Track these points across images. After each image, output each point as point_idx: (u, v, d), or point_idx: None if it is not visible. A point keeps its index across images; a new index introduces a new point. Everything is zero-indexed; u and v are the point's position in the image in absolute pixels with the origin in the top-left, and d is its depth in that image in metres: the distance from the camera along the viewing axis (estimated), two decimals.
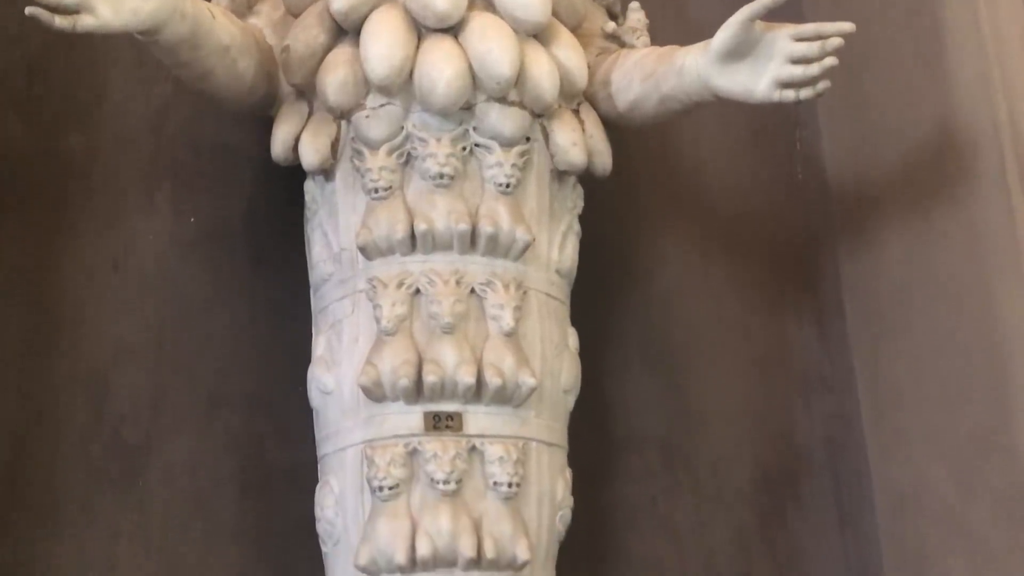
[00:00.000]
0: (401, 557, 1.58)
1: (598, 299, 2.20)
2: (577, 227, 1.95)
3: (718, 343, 2.35)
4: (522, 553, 1.63)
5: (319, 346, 1.82)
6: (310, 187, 1.91)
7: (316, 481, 1.83)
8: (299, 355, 1.93)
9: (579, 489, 1.86)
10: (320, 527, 1.74)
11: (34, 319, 2.01)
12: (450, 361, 1.67)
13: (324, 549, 1.75)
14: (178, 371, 2.06)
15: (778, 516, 2.27)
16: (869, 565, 2.23)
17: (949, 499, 2.05)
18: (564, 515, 1.79)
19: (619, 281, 2.31)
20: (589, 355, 1.93)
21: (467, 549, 1.59)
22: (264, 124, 2.01)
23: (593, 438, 2.10)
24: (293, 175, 1.99)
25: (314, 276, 1.89)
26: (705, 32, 1.82)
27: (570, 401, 1.87)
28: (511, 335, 1.72)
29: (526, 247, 1.77)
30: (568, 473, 1.82)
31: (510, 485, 1.65)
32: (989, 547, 1.92)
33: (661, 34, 2.09)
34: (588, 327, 1.95)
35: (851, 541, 2.26)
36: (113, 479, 1.98)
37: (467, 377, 1.65)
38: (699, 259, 2.39)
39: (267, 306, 2.11)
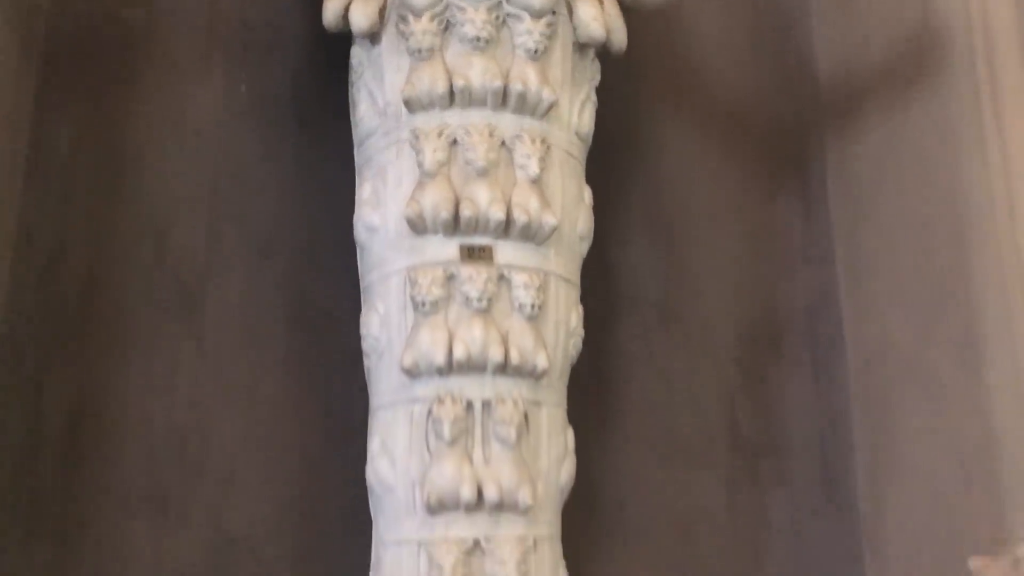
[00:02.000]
0: (440, 359, 1.84)
1: (606, 171, 2.44)
2: (594, 98, 2.19)
3: (713, 217, 2.61)
4: (542, 363, 1.89)
5: (364, 192, 2.06)
6: (356, 51, 2.14)
7: (352, 320, 2.07)
8: (339, 208, 2.18)
9: (586, 340, 2.11)
10: (366, 344, 2.00)
11: (101, 172, 2.23)
12: (483, 199, 1.91)
13: (368, 364, 2.00)
14: (230, 222, 2.29)
15: (760, 371, 2.55)
16: (839, 412, 2.51)
17: (912, 352, 2.32)
18: (576, 342, 2.05)
19: (625, 157, 2.55)
20: (597, 220, 2.17)
21: (496, 355, 1.85)
22: (308, 2, 2.24)
23: (599, 296, 2.35)
24: (335, 47, 2.22)
25: (359, 131, 2.12)
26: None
27: (584, 248, 2.12)
28: (536, 182, 1.96)
29: (550, 106, 2.00)
30: (580, 309, 2.08)
31: (533, 307, 1.91)
32: (946, 389, 2.20)
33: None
34: (596, 195, 2.19)
35: (824, 393, 2.54)
36: (174, 314, 2.22)
37: (498, 213, 1.90)
38: (698, 141, 2.64)
39: (311, 163, 2.34)
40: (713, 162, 2.65)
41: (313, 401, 2.25)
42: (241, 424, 2.21)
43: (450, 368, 1.86)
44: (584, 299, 2.11)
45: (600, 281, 2.33)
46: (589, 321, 2.11)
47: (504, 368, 1.87)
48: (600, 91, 2.22)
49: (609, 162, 2.45)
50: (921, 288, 2.33)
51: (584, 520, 2.16)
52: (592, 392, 2.31)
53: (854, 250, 2.59)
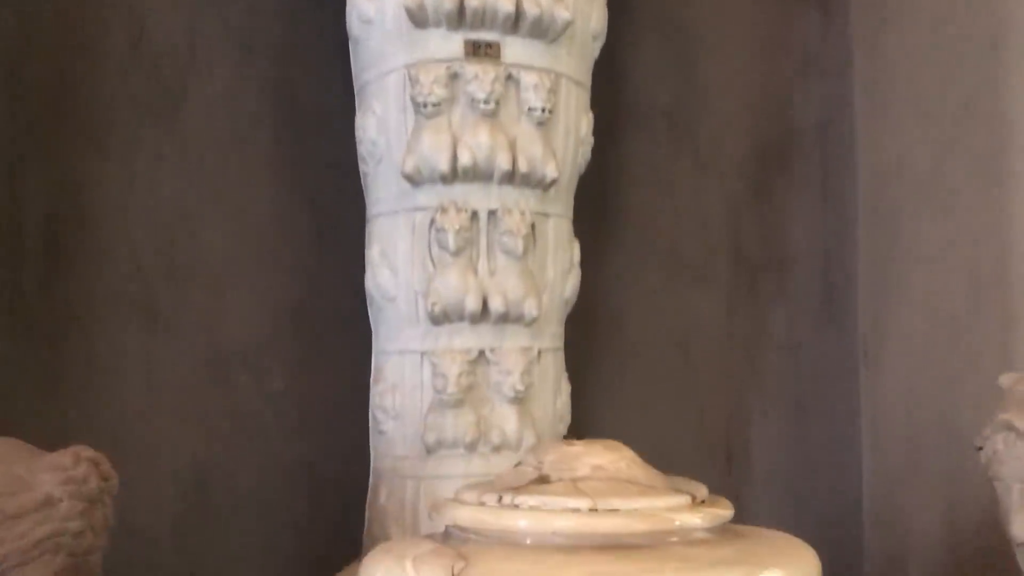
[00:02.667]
0: (444, 166, 1.73)
1: None
2: None
3: (728, 24, 2.45)
4: (551, 172, 1.79)
5: None
6: None
7: (345, 121, 1.94)
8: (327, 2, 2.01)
9: (591, 149, 2.00)
10: (362, 149, 1.88)
11: None
12: None
13: (365, 169, 1.89)
14: (212, 15, 2.12)
15: (768, 187, 2.47)
16: (846, 230, 2.45)
17: (929, 168, 2.23)
18: (585, 151, 1.95)
19: None
20: (607, 26, 2.02)
21: (503, 163, 1.75)
22: None
23: (606, 103, 2.22)
24: None
25: None
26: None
27: (596, 48, 1.97)
28: None
29: None
30: (590, 115, 1.96)
31: (543, 110, 1.79)
32: (963, 207, 2.13)
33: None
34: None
35: (832, 210, 2.47)
36: (155, 110, 2.08)
37: (507, 5, 1.74)
38: None
39: None
40: None
41: (305, 207, 2.16)
42: (230, 230, 2.12)
43: (454, 175, 1.75)
44: (591, 107, 1.99)
45: (607, 86, 2.19)
46: (598, 129, 1.99)
47: (511, 177, 1.77)
48: None
49: None
50: (945, 101, 2.21)
51: (585, 334, 2.12)
52: (595, 204, 2.22)
53: (874, 60, 2.45)
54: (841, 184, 2.47)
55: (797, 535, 2.33)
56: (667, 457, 2.22)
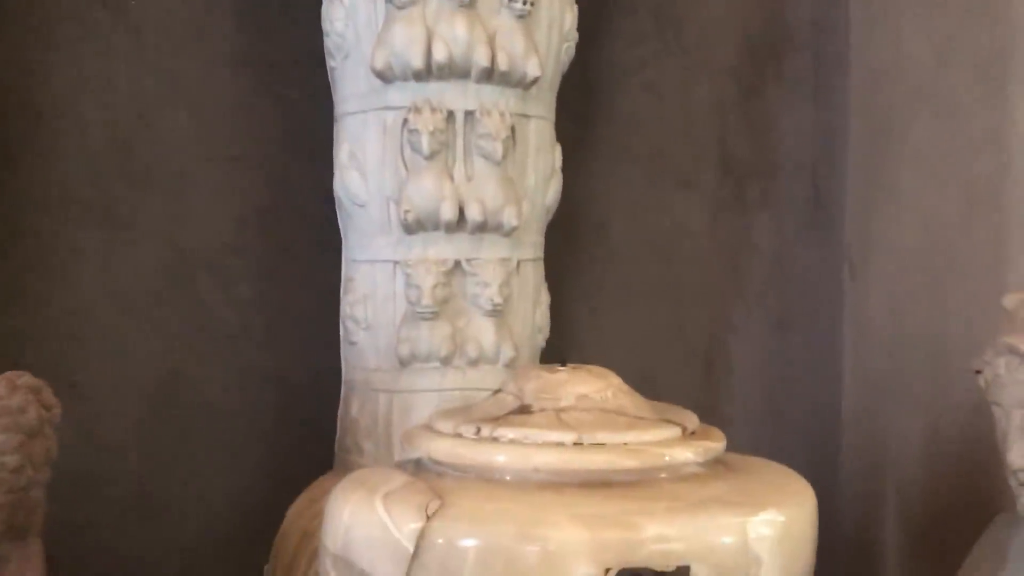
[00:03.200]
0: (417, 61, 1.61)
1: None
2: None
3: None
4: (532, 69, 1.67)
5: None
6: None
7: (313, 8, 1.78)
8: None
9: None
10: (328, 41, 1.74)
11: None
12: None
13: (332, 64, 1.76)
14: None
15: (758, 89, 2.35)
16: (835, 134, 2.35)
17: (927, 70, 2.12)
18: (569, 48, 1.82)
19: None
20: None
21: (482, 58, 1.62)
22: None
23: None
24: None
25: None
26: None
27: None
28: None
29: None
30: (575, 7, 1.82)
31: (525, 2, 1.65)
32: (961, 113, 2.03)
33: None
34: None
35: (822, 115, 2.36)
36: None
37: None
38: None
39: None
40: None
41: (269, 104, 2.03)
42: (190, 129, 2.00)
43: (429, 72, 1.63)
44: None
45: None
46: (577, 25, 1.86)
47: (490, 75, 1.65)
48: None
49: None
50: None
51: (565, 240, 2.04)
52: (577, 104, 2.10)
53: None
54: (833, 84, 2.36)
55: (776, 445, 2.31)
56: (648, 368, 2.20)
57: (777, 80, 2.37)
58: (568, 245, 2.10)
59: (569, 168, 1.86)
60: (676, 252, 2.31)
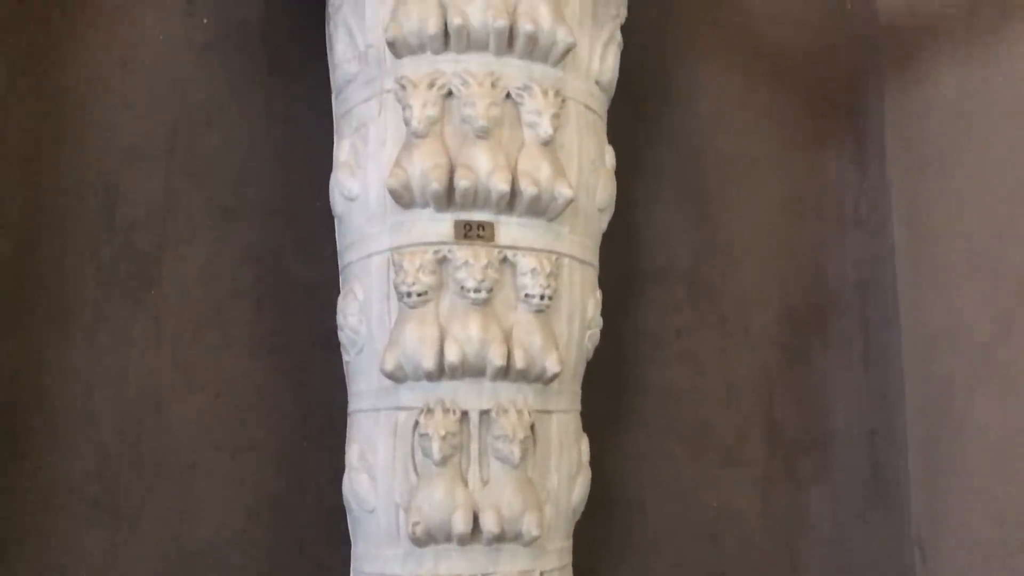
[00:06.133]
0: (429, 363, 1.53)
1: (632, 120, 2.10)
2: (619, 38, 1.83)
3: (753, 175, 2.27)
4: (552, 365, 1.58)
5: (342, 151, 1.72)
6: None
7: (335, 294, 1.77)
8: (318, 163, 1.86)
9: (603, 317, 1.80)
10: (343, 335, 1.69)
11: (38, 119, 1.90)
12: (483, 167, 1.57)
13: (346, 358, 1.70)
14: (191, 178, 1.97)
15: (803, 355, 2.23)
16: (892, 404, 2.19)
17: (983, 337, 1.99)
18: (593, 334, 1.74)
19: (656, 104, 2.19)
20: (618, 179, 1.84)
21: (497, 358, 1.54)
22: None
23: (619, 266, 2.03)
24: None
25: (337, 78, 1.78)
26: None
27: (604, 221, 1.79)
28: (548, 144, 1.62)
29: (567, 50, 1.65)
30: (599, 294, 1.76)
31: (542, 298, 1.58)
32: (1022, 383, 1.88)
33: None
34: (619, 149, 1.86)
35: (875, 381, 2.23)
36: (126, 286, 1.92)
37: (501, 184, 1.56)
38: (740, 87, 2.28)
39: (284, 112, 2.01)
40: (754, 110, 2.28)
41: (286, 391, 1.95)
42: (204, 418, 1.92)
43: (441, 372, 1.54)
44: (602, 270, 1.80)
45: (621, 249, 2.01)
46: (607, 295, 1.80)
47: (506, 372, 1.56)
48: (625, 28, 1.86)
49: (634, 111, 2.10)
50: (999, 262, 1.98)
51: (600, 525, 1.88)
52: (609, 378, 2.00)
53: (915, 212, 2.24)
54: (885, 350, 2.23)
55: None
56: None
57: (823, 345, 2.25)
58: (602, 529, 1.94)
59: (601, 445, 1.74)
60: (723, 534, 2.12)
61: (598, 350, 1.79)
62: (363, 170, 1.66)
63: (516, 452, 1.54)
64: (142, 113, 1.96)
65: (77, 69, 1.93)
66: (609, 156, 1.79)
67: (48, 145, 1.90)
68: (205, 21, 2.01)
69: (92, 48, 1.94)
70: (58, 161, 1.91)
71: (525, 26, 1.61)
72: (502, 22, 1.60)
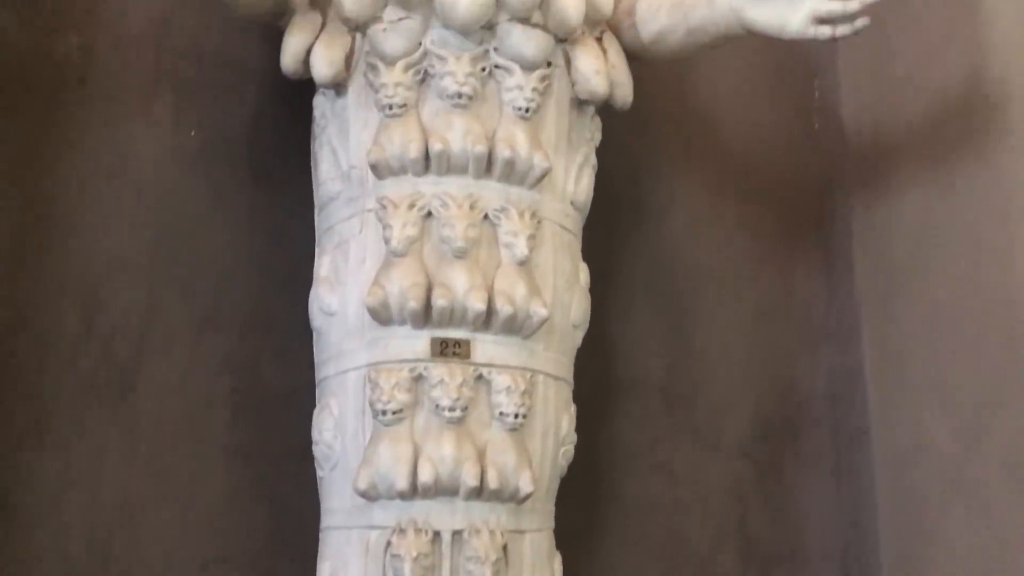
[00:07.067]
0: (402, 483, 1.53)
1: (606, 236, 2.15)
2: (594, 160, 1.89)
3: (725, 288, 2.31)
4: (525, 485, 1.59)
5: (323, 266, 1.76)
6: (320, 102, 1.84)
7: (312, 405, 1.78)
8: (299, 276, 1.88)
9: (577, 428, 1.82)
10: (317, 450, 1.70)
11: (23, 226, 1.93)
12: (460, 286, 1.61)
13: (320, 473, 1.70)
14: (172, 287, 1.99)
15: (776, 467, 2.25)
16: (864, 519, 2.20)
17: (953, 454, 2.02)
18: (567, 451, 1.75)
19: (629, 219, 2.25)
20: (594, 292, 1.88)
21: (470, 478, 1.55)
22: (272, 36, 1.93)
23: (593, 377, 2.05)
24: (300, 90, 1.92)
25: (320, 195, 1.83)
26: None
27: (578, 337, 1.82)
28: (524, 264, 1.67)
29: (543, 174, 1.71)
30: (573, 409, 1.78)
31: (516, 416, 1.61)
32: (990, 502, 1.90)
33: None
34: (595, 264, 1.90)
35: (847, 495, 2.24)
36: (102, 394, 1.92)
37: (477, 303, 1.60)
38: (711, 202, 2.34)
39: (267, 225, 2.05)
40: (725, 226, 2.35)
41: (260, 503, 1.94)
42: (175, 529, 1.90)
43: (414, 492, 1.55)
44: (576, 381, 1.82)
45: (595, 360, 2.03)
46: (581, 407, 1.82)
47: (480, 492, 1.57)
48: (599, 148, 1.93)
49: (608, 227, 2.16)
50: (966, 379, 2.02)
51: None
52: (583, 490, 2.00)
53: (884, 328, 2.28)
54: (857, 465, 2.25)
55: None
56: None
57: (796, 457, 2.27)
58: None
59: (573, 557, 1.73)
60: None
61: (572, 461, 1.80)
62: (343, 286, 1.69)
63: (488, 574, 1.54)
64: (127, 223, 1.99)
65: (64, 182, 1.96)
66: (583, 274, 1.83)
67: (32, 252, 1.93)
68: (192, 133, 2.07)
69: (79, 161, 1.98)
70: (41, 268, 1.93)
71: (503, 152, 1.66)
72: (481, 148, 1.66)
